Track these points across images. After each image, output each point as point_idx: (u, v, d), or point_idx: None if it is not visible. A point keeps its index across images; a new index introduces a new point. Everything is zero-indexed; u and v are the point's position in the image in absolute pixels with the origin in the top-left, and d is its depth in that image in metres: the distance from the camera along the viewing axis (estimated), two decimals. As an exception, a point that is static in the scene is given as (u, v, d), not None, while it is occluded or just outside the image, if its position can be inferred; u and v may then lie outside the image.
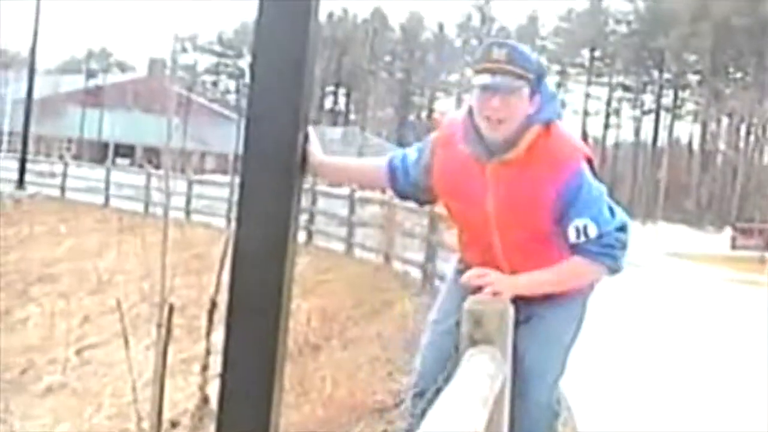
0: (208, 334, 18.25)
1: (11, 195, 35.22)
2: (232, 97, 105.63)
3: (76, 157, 54.43)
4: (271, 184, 4.41)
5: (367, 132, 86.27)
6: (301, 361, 18.12)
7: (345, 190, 24.89)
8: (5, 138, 67.70)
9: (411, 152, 4.55)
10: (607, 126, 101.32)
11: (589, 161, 4.32)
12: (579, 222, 4.22)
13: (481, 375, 3.10)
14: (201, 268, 23.15)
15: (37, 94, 46.19)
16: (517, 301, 4.18)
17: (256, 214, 4.39)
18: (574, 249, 4.26)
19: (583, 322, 4.62)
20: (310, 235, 25.67)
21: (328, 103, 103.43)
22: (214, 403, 16.52)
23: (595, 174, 4.33)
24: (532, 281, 4.27)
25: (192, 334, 20.41)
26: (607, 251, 4.28)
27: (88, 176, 38.88)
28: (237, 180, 4.94)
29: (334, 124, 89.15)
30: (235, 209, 14.10)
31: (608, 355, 11.88)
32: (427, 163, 4.44)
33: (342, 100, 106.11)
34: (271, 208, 4.31)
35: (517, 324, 4.15)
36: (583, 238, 4.22)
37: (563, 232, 4.25)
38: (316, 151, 4.56)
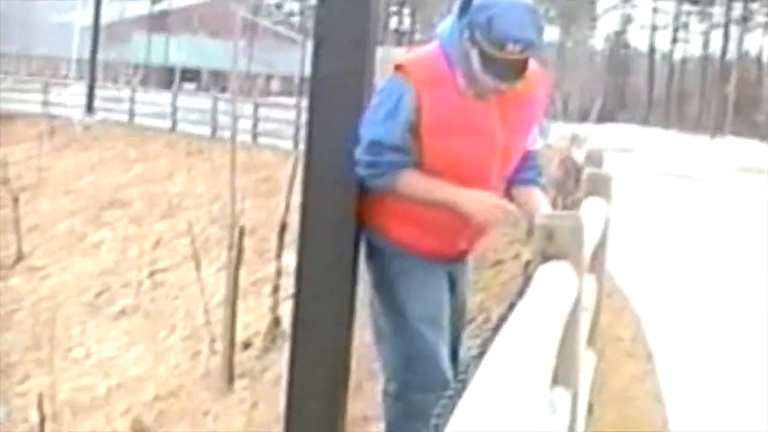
0: (279, 255, 18.40)
1: (81, 121, 35.43)
2: (296, 19, 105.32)
3: (143, 83, 54.51)
4: (339, 104, 4.39)
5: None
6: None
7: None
8: (74, 65, 68.02)
9: (391, 127, 4.11)
10: (674, 40, 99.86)
11: None
12: (535, 130, 4.37)
13: (555, 290, 3.07)
14: (269, 190, 23.26)
15: (103, 21, 46.34)
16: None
17: (325, 136, 4.39)
18: (525, 173, 4.39)
19: None
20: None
21: (393, 23, 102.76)
22: (285, 325, 16.70)
23: None
24: None
25: (262, 256, 20.55)
26: (538, 173, 4.45)
27: (155, 101, 38.97)
28: (303, 102, 4.95)
29: (399, 44, 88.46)
30: (302, 131, 14.10)
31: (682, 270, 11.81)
32: (414, 110, 4.11)
33: (407, 19, 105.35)
34: (341, 127, 4.30)
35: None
36: (536, 145, 4.41)
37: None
38: None
